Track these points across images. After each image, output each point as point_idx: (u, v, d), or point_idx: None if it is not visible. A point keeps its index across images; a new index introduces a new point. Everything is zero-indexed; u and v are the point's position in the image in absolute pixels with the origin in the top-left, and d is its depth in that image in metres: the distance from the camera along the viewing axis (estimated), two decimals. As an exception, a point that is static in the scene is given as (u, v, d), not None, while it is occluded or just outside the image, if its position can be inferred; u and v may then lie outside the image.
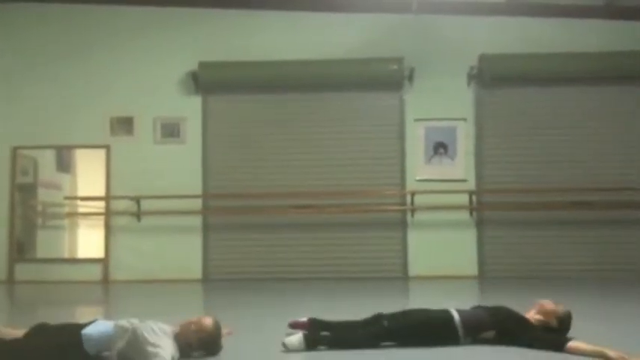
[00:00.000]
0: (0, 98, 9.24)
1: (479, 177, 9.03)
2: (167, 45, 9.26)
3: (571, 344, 3.94)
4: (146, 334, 3.66)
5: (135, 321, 3.81)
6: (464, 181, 8.96)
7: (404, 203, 9.00)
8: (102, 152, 9.15)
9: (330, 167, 9.07)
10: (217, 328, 3.89)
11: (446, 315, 4.22)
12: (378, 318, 4.22)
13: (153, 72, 9.22)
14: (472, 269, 8.84)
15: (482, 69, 8.94)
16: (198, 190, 9.05)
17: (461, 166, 9.02)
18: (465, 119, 9.06)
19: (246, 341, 4.28)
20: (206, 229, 9.08)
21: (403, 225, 9.00)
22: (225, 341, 4.06)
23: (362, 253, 8.89)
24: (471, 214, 8.95)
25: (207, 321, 3.87)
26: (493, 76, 8.95)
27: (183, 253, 8.96)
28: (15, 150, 9.21)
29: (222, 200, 9.11)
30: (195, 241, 9.02)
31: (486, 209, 9.00)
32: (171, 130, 9.19)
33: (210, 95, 9.23)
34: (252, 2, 9.22)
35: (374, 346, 4.08)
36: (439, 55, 9.08)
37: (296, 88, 9.13)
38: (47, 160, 9.40)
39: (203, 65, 8.99)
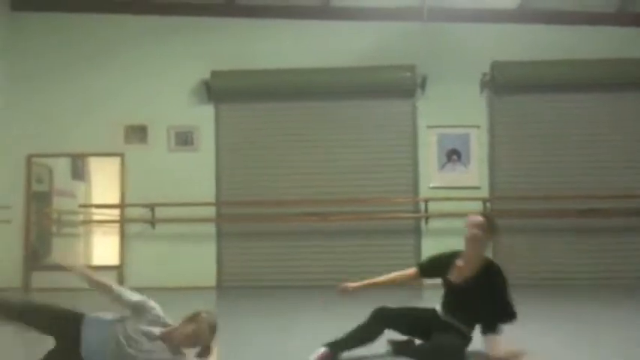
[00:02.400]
0: (15, 107, 9.31)
1: (492, 184, 9.01)
2: (180, 54, 9.33)
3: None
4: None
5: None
6: (477, 188, 8.95)
7: (417, 210, 8.99)
8: (116, 160, 9.21)
9: (342, 175, 9.09)
10: (212, 331, 3.77)
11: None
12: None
13: (166, 81, 9.28)
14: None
15: (495, 76, 8.94)
16: (212, 198, 9.09)
17: (474, 174, 9.01)
18: (478, 126, 9.05)
19: (259, 350, 4.29)
20: (219, 236, 9.11)
21: (417, 232, 8.99)
22: (238, 349, 4.07)
23: (375, 260, 8.86)
24: (483, 221, 8.91)
25: (204, 326, 3.71)
26: (505, 83, 8.95)
27: (197, 260, 8.99)
28: (30, 158, 9.29)
29: (236, 208, 9.15)
30: (209, 249, 9.05)
31: (500, 216, 8.95)
32: (184, 139, 9.24)
33: (223, 103, 9.28)
34: (263, 11, 9.27)
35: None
36: (451, 62, 9.09)
37: (308, 96, 9.16)
38: (62, 168, 9.48)
39: (215, 74, 9.05)
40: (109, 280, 3.94)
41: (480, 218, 4.13)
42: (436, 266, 4.24)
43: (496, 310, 3.94)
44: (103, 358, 3.57)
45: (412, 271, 4.26)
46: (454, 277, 4.10)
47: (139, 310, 3.71)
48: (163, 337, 3.66)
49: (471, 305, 3.97)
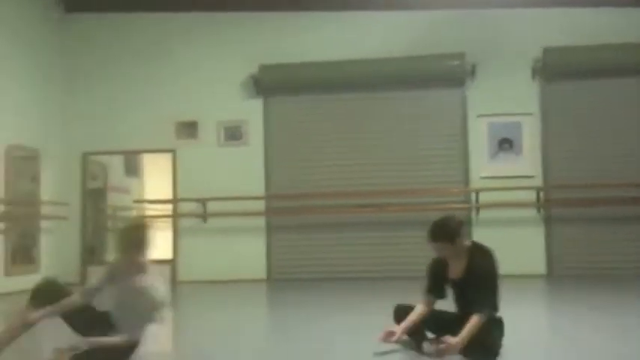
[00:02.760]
0: (70, 107, 9.57)
1: (546, 173, 8.79)
2: (228, 49, 9.41)
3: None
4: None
5: None
6: (530, 177, 8.75)
7: (468, 201, 8.85)
8: (168, 156, 9.37)
9: (391, 166, 9.02)
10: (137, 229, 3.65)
11: None
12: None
13: (215, 76, 9.38)
14: (540, 268, 8.62)
15: (547, 62, 8.71)
16: (261, 192, 9.16)
17: (527, 162, 8.81)
18: (530, 114, 8.85)
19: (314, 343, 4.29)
20: (269, 229, 9.17)
21: (467, 223, 8.83)
22: (287, 341, 4.06)
23: (425, 252, 8.73)
24: (538, 211, 8.73)
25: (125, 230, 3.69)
26: (558, 69, 8.72)
27: (247, 253, 9.07)
28: (85, 156, 9.53)
29: (285, 201, 9.19)
30: (259, 242, 9.12)
31: (554, 206, 8.76)
32: (233, 133, 9.33)
33: (271, 97, 9.33)
34: (310, 4, 9.26)
35: None
36: (501, 49, 8.91)
37: (356, 88, 9.12)
38: (116, 165, 9.72)
39: (264, 68, 9.09)
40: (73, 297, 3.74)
41: (434, 244, 3.91)
42: (438, 277, 4.06)
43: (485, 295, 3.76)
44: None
45: (426, 300, 4.05)
46: (452, 274, 3.98)
47: (104, 282, 3.74)
48: (120, 273, 3.66)
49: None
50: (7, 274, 8.13)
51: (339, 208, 8.94)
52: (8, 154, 8.28)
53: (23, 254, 8.52)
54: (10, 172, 8.26)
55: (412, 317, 3.96)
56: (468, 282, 3.82)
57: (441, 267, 4.01)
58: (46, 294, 3.74)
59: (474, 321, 3.60)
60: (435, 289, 4.04)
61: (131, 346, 3.66)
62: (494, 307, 3.77)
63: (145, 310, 3.56)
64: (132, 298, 3.57)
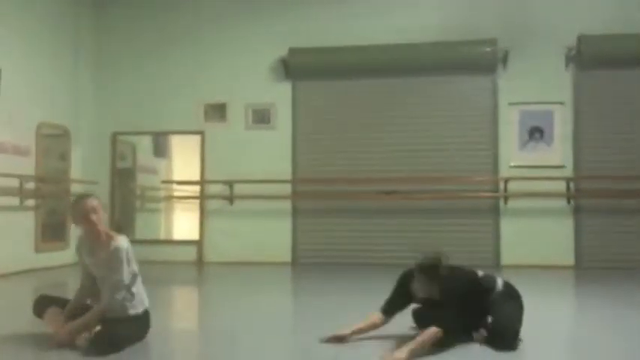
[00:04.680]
0: (101, 87, 9.66)
1: (577, 163, 8.66)
2: (258, 32, 9.39)
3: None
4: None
5: None
6: (561, 167, 8.63)
7: (496, 190, 8.76)
8: (197, 138, 9.41)
9: (419, 152, 8.95)
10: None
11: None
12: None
13: (244, 59, 9.38)
14: (568, 259, 8.51)
15: (582, 50, 8.53)
16: (288, 175, 9.16)
17: (558, 152, 8.68)
18: (562, 103, 8.70)
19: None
20: (295, 213, 9.18)
21: (495, 212, 8.77)
22: (312, 325, 4.07)
23: (451, 240, 8.72)
24: (568, 201, 8.61)
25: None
26: (593, 57, 8.54)
27: (273, 236, 9.10)
28: (115, 136, 9.62)
29: (311, 185, 9.18)
30: (285, 225, 9.14)
31: (585, 197, 8.62)
32: (261, 116, 9.33)
33: (300, 81, 9.30)
34: (341, -13, 9.19)
35: None
36: (534, 36, 8.75)
37: (385, 73, 9.05)
38: (145, 145, 9.79)
39: (293, 51, 9.06)
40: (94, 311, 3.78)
41: (421, 284, 3.81)
42: (404, 292, 3.97)
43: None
44: None
45: (387, 311, 3.98)
46: (423, 294, 3.89)
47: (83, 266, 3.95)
48: (86, 247, 3.87)
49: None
50: (37, 250, 8.26)
51: (365, 194, 8.91)
52: (39, 132, 8.39)
53: (53, 231, 8.65)
54: (40, 150, 8.38)
55: (363, 325, 3.91)
56: (443, 303, 3.73)
57: (409, 281, 3.92)
58: (47, 301, 3.99)
59: (430, 332, 3.54)
60: (400, 303, 3.97)
61: (139, 317, 3.75)
62: (453, 328, 3.64)
63: (111, 278, 3.68)
64: (100, 268, 3.76)
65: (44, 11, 8.66)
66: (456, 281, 3.83)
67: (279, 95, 9.29)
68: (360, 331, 3.92)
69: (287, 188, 9.17)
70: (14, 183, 7.78)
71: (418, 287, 3.85)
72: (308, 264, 8.91)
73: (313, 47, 9.06)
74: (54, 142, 8.84)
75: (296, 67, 9.13)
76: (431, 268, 3.79)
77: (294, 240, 9.14)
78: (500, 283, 3.99)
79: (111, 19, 9.76)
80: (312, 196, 9.15)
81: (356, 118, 9.14)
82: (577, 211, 8.63)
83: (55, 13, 8.92)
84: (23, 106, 8.06)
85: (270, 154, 9.21)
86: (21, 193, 7.89)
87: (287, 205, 9.17)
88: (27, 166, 8.11)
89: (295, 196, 9.19)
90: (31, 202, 8.18)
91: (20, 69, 8.03)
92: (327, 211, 9.09)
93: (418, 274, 3.82)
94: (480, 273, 4.03)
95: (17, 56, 8.00)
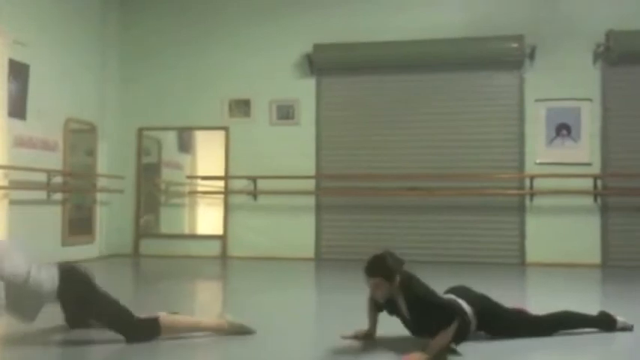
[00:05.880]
0: (127, 82, 9.74)
1: (604, 160, 8.53)
2: (282, 28, 9.40)
3: None
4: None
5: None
6: (588, 164, 8.51)
7: (522, 187, 8.68)
8: (221, 133, 9.45)
9: (445, 149, 8.89)
10: None
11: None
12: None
13: (269, 55, 9.38)
14: (595, 257, 8.40)
15: (610, 46, 8.40)
16: (312, 171, 9.16)
17: (585, 149, 8.56)
18: (590, 99, 8.58)
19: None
20: (319, 209, 9.18)
21: (521, 210, 8.68)
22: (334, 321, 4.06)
23: (476, 237, 8.68)
24: (595, 199, 8.50)
25: None
26: (622, 53, 8.39)
27: (296, 232, 9.12)
28: (141, 131, 9.70)
29: (335, 181, 9.18)
30: (309, 221, 9.15)
31: (612, 194, 8.50)
32: (286, 112, 9.35)
33: (324, 77, 9.29)
34: (366, -17, 9.15)
35: None
36: (562, 32, 8.63)
37: (410, 69, 9.00)
38: (170, 140, 9.87)
39: (318, 47, 9.05)
40: None
41: (372, 280, 3.60)
42: (372, 309, 3.90)
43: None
44: None
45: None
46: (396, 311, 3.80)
47: None
48: None
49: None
50: (64, 244, 8.38)
51: (389, 190, 8.88)
52: (67, 127, 8.50)
53: (80, 225, 8.77)
54: (68, 145, 8.48)
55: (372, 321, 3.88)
56: (417, 314, 3.60)
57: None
58: None
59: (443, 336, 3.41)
60: (372, 316, 3.88)
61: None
62: (452, 317, 3.48)
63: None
64: None
65: (71, 7, 8.76)
66: (416, 286, 3.62)
67: (304, 91, 9.29)
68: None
69: (311, 184, 9.17)
70: (42, 177, 7.90)
71: (373, 292, 3.68)
72: (331, 260, 8.90)
73: (338, 43, 9.04)
74: (81, 137, 8.94)
75: (320, 63, 9.12)
76: (374, 264, 3.59)
77: (318, 236, 9.15)
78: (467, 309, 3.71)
79: (137, 15, 9.83)
80: (336, 192, 9.15)
81: (380, 114, 9.10)
82: (604, 209, 8.51)
83: (82, 9, 9.02)
84: (51, 101, 8.17)
85: (294, 150, 9.21)
86: (48, 187, 8.01)
87: (311, 200, 9.18)
88: (55, 160, 8.23)
89: (319, 191, 9.19)
90: (58, 197, 8.30)
91: (48, 65, 8.14)
92: (350, 207, 9.08)
93: (365, 277, 3.63)
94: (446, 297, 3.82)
95: (45, 52, 8.10)
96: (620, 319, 4.07)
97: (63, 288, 3.67)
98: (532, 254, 8.54)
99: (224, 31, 9.55)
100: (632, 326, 4.06)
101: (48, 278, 3.67)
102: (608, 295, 6.67)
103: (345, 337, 3.85)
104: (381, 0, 9.13)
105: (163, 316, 3.84)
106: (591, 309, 4.21)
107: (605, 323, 4.05)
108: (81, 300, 3.74)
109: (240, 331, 3.95)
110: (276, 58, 9.35)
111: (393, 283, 3.58)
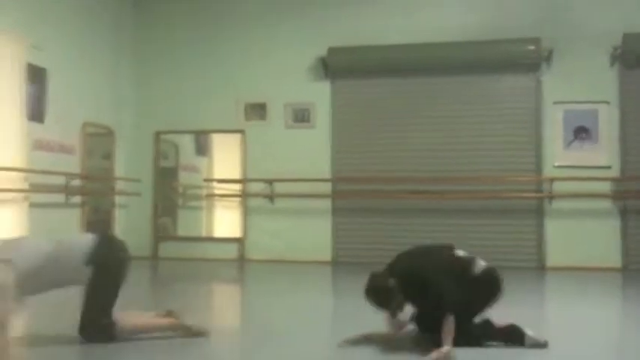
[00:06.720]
0: (143, 87, 9.80)
1: (624, 163, 8.45)
2: (297, 31, 9.41)
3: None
4: None
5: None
6: (607, 167, 8.44)
7: (539, 190, 8.62)
8: (237, 137, 9.48)
9: (462, 152, 8.84)
10: None
11: None
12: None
13: (284, 59, 9.40)
14: (615, 261, 8.31)
15: (627, 49, 8.33)
16: (328, 174, 9.16)
17: (604, 152, 8.49)
18: (607, 102, 8.51)
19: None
20: (335, 212, 9.18)
21: (539, 213, 8.62)
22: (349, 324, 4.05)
23: (494, 241, 8.60)
24: (614, 203, 8.42)
25: None
26: (639, 56, 8.32)
27: (313, 235, 9.11)
28: (158, 135, 9.76)
29: (351, 184, 9.17)
30: (325, 224, 9.14)
31: (632, 198, 8.41)
32: (301, 115, 9.36)
33: (339, 80, 9.29)
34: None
35: None
36: (579, 35, 8.56)
37: (426, 72, 8.97)
38: (187, 144, 9.91)
39: (332, 50, 9.05)
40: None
41: (385, 314, 3.80)
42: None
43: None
44: None
45: None
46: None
47: None
48: None
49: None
50: (82, 246, 8.42)
51: (405, 193, 8.85)
52: (84, 131, 8.57)
53: (97, 228, 8.81)
54: (85, 149, 8.55)
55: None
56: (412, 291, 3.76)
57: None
58: None
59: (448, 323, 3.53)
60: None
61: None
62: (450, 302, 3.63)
63: None
64: None
65: (86, 11, 8.82)
66: (431, 262, 3.92)
67: (319, 94, 9.30)
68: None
69: (327, 187, 9.17)
70: (60, 180, 7.97)
71: (394, 316, 3.82)
72: (347, 263, 8.88)
73: (353, 46, 9.04)
74: (98, 141, 9.01)
75: (335, 66, 9.12)
76: (373, 302, 3.75)
77: (334, 239, 9.14)
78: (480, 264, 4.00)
79: (151, 18, 9.89)
80: (352, 195, 9.13)
81: (396, 116, 9.08)
82: (624, 213, 8.42)
83: (96, 14, 9.08)
84: (69, 105, 8.23)
85: (309, 153, 9.22)
86: (67, 190, 8.07)
87: (327, 203, 9.17)
88: (72, 164, 8.29)
89: (335, 194, 9.18)
90: (77, 199, 8.37)
91: (65, 69, 8.21)
92: (366, 210, 9.06)
93: (369, 301, 3.76)
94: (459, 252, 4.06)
95: (62, 57, 8.17)
96: (530, 332, 3.82)
97: (98, 252, 3.69)
98: (552, 258, 8.47)
99: (239, 34, 9.58)
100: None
101: (80, 241, 3.75)
102: (627, 299, 6.61)
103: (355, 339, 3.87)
104: (396, 3, 9.12)
105: (122, 318, 3.83)
106: (611, 313, 4.17)
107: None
108: (106, 271, 3.72)
109: (193, 332, 3.93)
110: (291, 62, 9.37)
111: (396, 299, 3.74)
